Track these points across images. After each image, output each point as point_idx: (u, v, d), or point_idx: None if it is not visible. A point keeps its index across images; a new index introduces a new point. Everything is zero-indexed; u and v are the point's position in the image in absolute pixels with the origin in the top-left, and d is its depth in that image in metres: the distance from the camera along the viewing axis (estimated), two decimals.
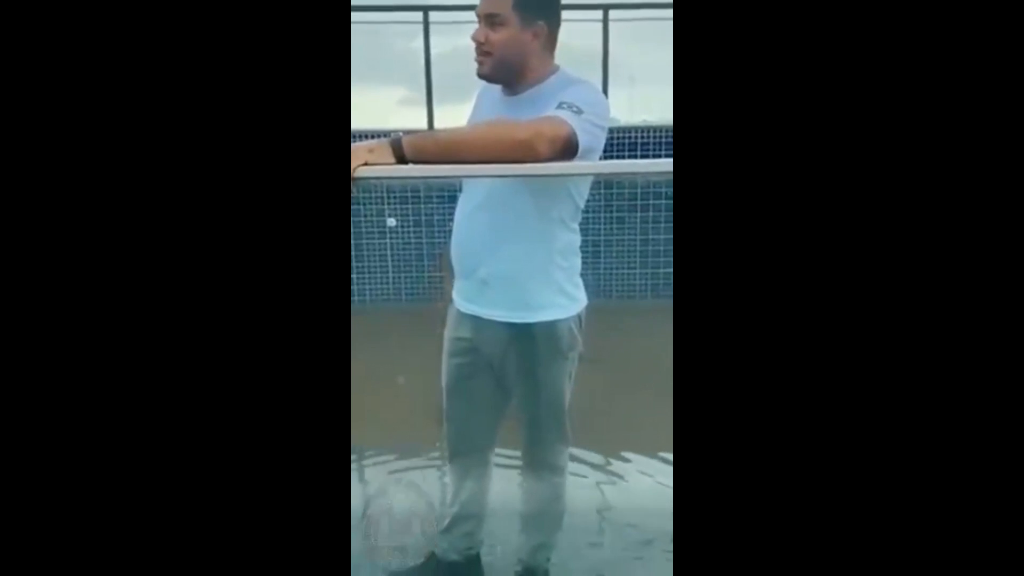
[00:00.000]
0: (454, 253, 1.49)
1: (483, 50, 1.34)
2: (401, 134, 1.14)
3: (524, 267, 1.39)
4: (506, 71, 1.36)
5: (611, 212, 4.12)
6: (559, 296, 1.42)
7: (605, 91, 4.13)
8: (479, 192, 1.43)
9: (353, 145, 1.10)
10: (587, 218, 4.08)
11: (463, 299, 1.50)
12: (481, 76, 1.38)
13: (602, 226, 4.13)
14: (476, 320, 1.47)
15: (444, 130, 1.39)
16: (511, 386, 1.50)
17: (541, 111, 1.23)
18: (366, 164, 1.10)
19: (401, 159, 1.12)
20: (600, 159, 1.35)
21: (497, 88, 1.41)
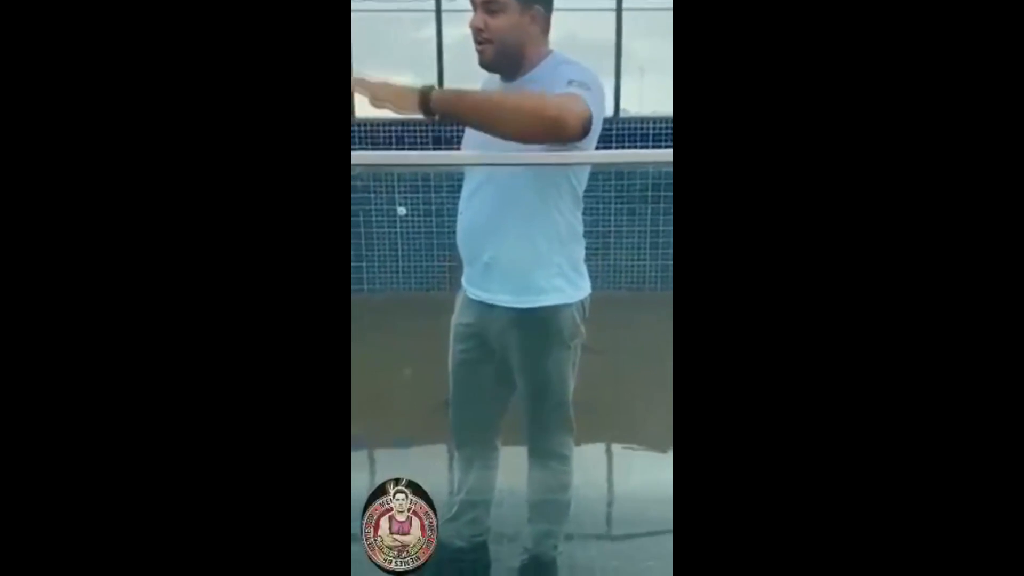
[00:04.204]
0: (459, 239, 1.49)
1: (482, 37, 1.31)
2: (432, 86, 1.13)
3: (525, 251, 1.39)
4: (507, 58, 1.34)
5: (622, 203, 4.11)
6: (559, 280, 1.41)
7: (617, 82, 4.12)
8: (478, 176, 1.43)
9: (375, 82, 1.11)
10: (597, 208, 4.09)
11: (470, 284, 1.50)
12: (483, 65, 1.35)
13: (612, 217, 4.12)
14: (481, 306, 1.48)
15: (475, 92, 1.36)
16: (514, 373, 1.50)
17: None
18: (382, 104, 1.10)
19: (427, 111, 1.12)
20: (608, 149, 1.34)
21: (498, 77, 1.41)
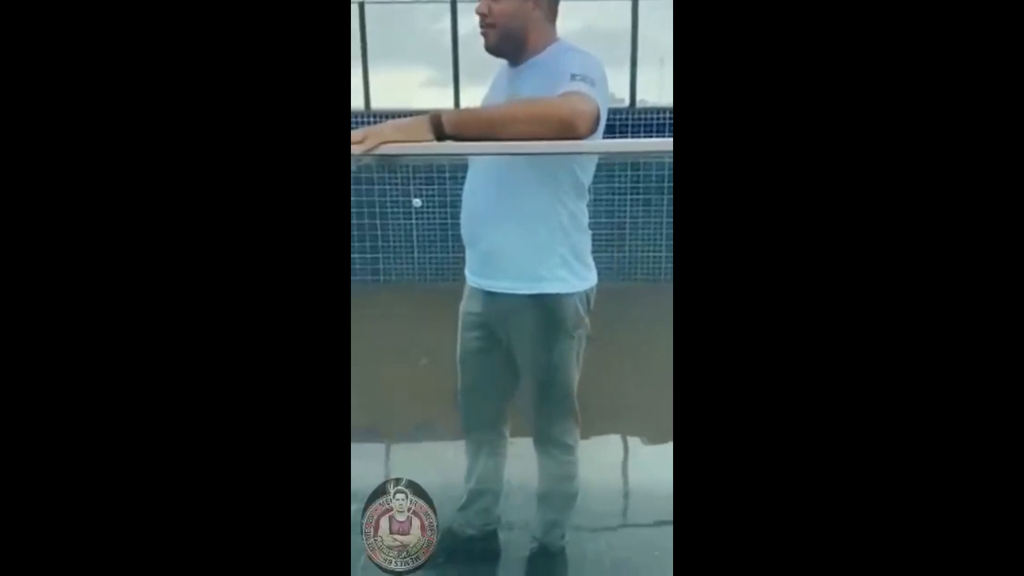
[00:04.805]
0: (462, 228, 1.50)
1: (487, 22, 1.35)
2: (440, 111, 1.13)
3: (523, 239, 1.39)
4: (510, 42, 1.36)
5: (638, 194, 4.09)
6: (561, 269, 1.41)
7: (634, 72, 4.11)
8: (480, 166, 1.44)
9: (379, 125, 1.10)
10: (612, 199, 4.08)
11: (470, 272, 1.52)
12: (488, 49, 1.39)
13: (628, 208, 4.11)
14: (483, 294, 1.49)
15: (482, 108, 1.39)
16: (519, 361, 1.51)
17: (543, 81, 1.24)
18: (393, 142, 1.09)
19: (440, 135, 1.12)
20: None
21: (506, 63, 1.42)
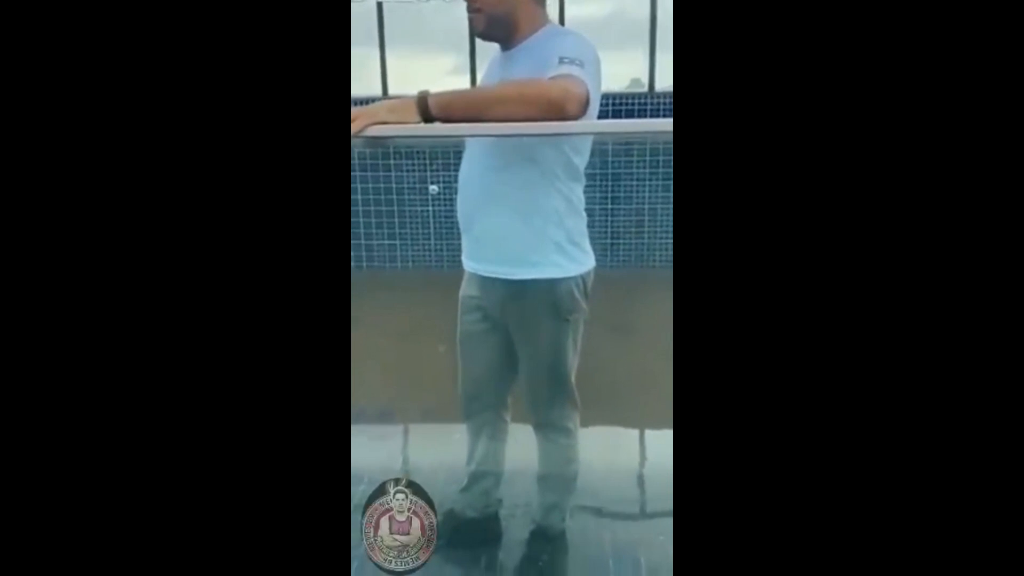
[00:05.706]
0: (458, 212, 1.50)
1: (474, 7, 1.34)
2: (428, 92, 1.13)
3: (516, 224, 1.38)
4: (498, 27, 1.35)
5: (656, 179, 4.06)
6: (556, 255, 1.40)
7: (653, 58, 4.07)
8: (472, 150, 1.44)
9: (370, 105, 1.11)
10: (631, 185, 4.06)
11: (466, 257, 1.52)
12: (476, 34, 1.38)
13: (647, 193, 4.07)
14: (480, 279, 1.49)
15: (471, 89, 1.39)
16: (517, 345, 1.51)
17: (534, 64, 1.23)
18: (383, 124, 1.09)
19: (427, 117, 1.11)
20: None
21: (498, 47, 1.42)
